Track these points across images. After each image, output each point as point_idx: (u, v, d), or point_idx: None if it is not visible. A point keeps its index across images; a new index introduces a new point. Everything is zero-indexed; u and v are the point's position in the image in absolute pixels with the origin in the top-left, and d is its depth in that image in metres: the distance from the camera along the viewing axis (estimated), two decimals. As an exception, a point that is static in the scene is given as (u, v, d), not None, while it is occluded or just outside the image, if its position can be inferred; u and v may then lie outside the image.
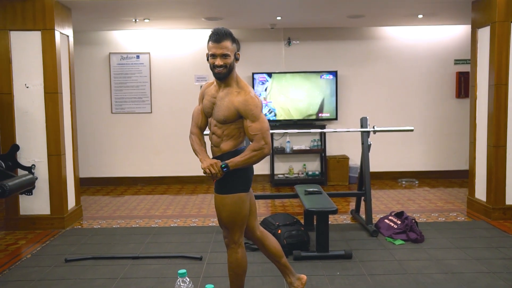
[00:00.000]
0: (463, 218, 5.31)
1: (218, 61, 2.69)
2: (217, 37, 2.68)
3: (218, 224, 5.18)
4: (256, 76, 7.30)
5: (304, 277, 3.20)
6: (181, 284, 2.08)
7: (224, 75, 2.73)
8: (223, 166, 2.69)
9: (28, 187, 4.83)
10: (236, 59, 2.78)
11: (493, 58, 5.09)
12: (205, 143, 2.95)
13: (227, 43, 2.70)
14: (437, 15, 6.54)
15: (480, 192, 5.42)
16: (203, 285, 3.42)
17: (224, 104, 2.75)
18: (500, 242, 4.44)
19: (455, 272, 3.70)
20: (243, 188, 2.80)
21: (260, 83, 7.31)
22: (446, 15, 6.59)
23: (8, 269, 3.93)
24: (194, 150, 2.90)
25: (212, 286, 2.02)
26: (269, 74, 7.34)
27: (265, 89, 7.32)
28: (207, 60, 2.77)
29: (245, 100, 2.71)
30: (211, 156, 2.89)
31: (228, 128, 2.77)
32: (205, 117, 2.93)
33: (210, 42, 2.72)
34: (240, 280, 2.91)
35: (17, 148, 4.96)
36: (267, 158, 7.46)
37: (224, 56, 2.70)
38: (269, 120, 7.34)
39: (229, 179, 2.77)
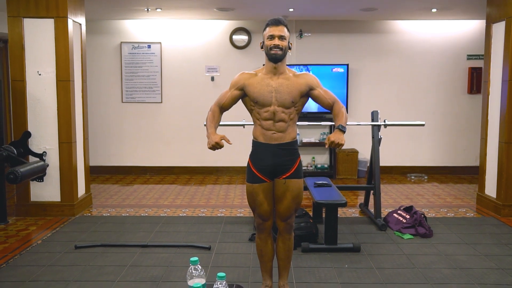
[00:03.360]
0: (472, 214, 5.28)
1: (276, 40, 2.82)
2: (276, 21, 2.86)
3: (226, 214, 5.24)
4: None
5: None
6: (193, 271, 2.10)
7: (280, 56, 2.84)
8: (343, 129, 2.85)
9: (39, 174, 4.89)
10: (289, 48, 2.90)
11: (507, 54, 5.03)
12: (219, 121, 3.02)
13: (285, 29, 2.86)
14: (451, 9, 6.47)
15: (490, 189, 5.39)
16: (212, 274, 3.44)
17: (289, 87, 2.88)
18: (509, 238, 4.41)
19: (464, 268, 3.69)
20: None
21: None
22: (460, 10, 6.53)
23: (19, 254, 3.98)
24: (206, 123, 2.97)
25: (224, 274, 2.03)
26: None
27: None
28: (261, 47, 2.93)
29: (307, 75, 2.96)
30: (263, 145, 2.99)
31: (293, 112, 2.93)
32: (232, 102, 3.02)
33: (268, 27, 2.88)
34: (289, 263, 3.16)
35: (28, 135, 5.00)
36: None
37: (282, 38, 2.84)
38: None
39: (300, 165, 2.99)
